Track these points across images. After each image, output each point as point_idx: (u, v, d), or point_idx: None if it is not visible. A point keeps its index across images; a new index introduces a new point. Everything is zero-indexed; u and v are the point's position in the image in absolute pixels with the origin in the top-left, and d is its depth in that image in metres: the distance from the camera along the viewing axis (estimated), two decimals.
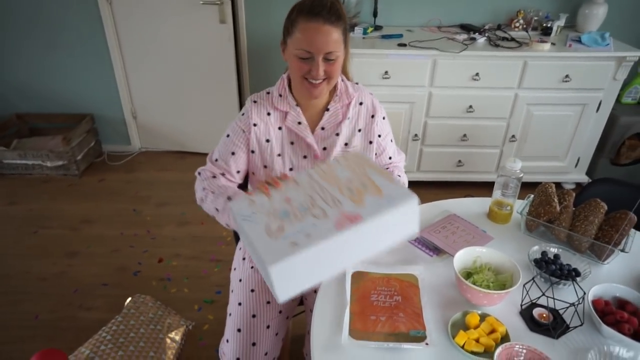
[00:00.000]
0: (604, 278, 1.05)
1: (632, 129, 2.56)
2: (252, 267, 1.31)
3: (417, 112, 2.46)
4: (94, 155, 3.09)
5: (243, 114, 1.22)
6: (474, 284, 0.96)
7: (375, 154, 1.30)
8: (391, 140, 1.35)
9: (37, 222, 2.49)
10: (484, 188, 2.67)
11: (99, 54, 2.83)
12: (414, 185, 2.71)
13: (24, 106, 3.05)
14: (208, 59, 2.78)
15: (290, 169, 1.23)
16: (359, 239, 0.84)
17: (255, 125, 1.21)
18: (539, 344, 0.87)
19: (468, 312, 0.93)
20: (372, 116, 1.27)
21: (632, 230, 1.12)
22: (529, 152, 2.60)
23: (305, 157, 1.23)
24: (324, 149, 1.23)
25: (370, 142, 1.27)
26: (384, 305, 0.97)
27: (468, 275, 1.01)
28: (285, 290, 0.81)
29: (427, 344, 0.86)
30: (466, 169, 2.67)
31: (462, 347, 0.86)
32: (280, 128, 1.22)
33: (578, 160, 2.65)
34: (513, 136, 2.54)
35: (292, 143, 1.22)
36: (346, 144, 1.24)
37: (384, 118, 1.31)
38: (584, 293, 0.94)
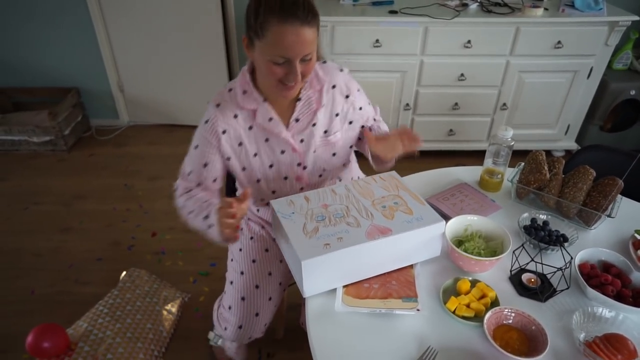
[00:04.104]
0: (591, 243, 1.08)
1: (622, 95, 2.57)
2: (251, 238, 1.32)
3: (408, 81, 2.43)
4: (81, 130, 3.04)
5: (207, 122, 1.10)
6: (466, 251, 0.98)
7: (362, 126, 1.23)
8: (369, 104, 1.26)
9: (28, 199, 2.47)
10: (475, 157, 2.69)
11: (81, 24, 2.74)
12: (406, 155, 2.72)
13: (3, 80, 2.96)
14: (195, 29, 2.71)
15: (271, 166, 1.16)
16: (385, 251, 0.93)
17: (224, 132, 1.10)
18: (527, 307, 0.90)
19: (459, 278, 0.95)
20: (347, 96, 1.17)
21: (619, 195, 1.14)
22: (520, 120, 2.60)
23: (283, 152, 1.14)
24: (302, 141, 1.14)
25: (351, 122, 1.19)
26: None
27: (459, 243, 1.03)
28: (312, 285, 0.91)
29: (418, 309, 0.88)
30: (457, 138, 2.68)
31: (453, 312, 0.88)
32: (251, 127, 1.12)
33: (568, 127, 2.66)
34: (504, 104, 2.54)
35: (266, 140, 1.13)
36: (325, 132, 1.16)
37: (358, 90, 1.21)
38: (571, 258, 0.97)
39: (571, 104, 2.56)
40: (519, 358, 0.77)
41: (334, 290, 0.94)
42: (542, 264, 0.96)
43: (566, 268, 0.95)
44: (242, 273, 1.28)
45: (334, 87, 1.16)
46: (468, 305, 0.89)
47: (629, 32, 2.54)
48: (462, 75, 2.42)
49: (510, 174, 1.23)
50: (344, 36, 2.29)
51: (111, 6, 2.68)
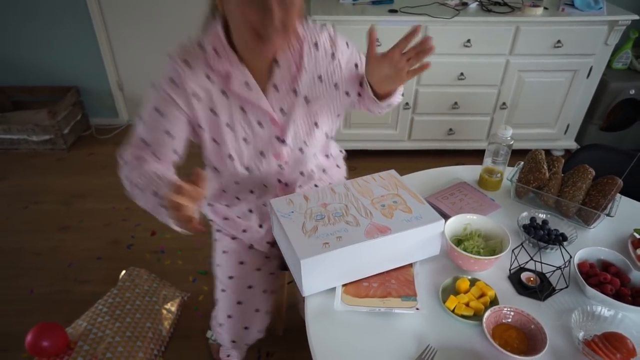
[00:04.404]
0: (590, 242, 1.08)
1: (621, 94, 2.57)
2: (224, 252, 1.23)
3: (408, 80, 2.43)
4: (81, 129, 3.03)
5: (173, 81, 0.94)
6: (465, 250, 0.98)
7: (361, 84, 1.04)
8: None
9: (28, 198, 2.47)
10: (475, 156, 2.69)
11: (81, 23, 2.74)
12: (405, 154, 2.73)
13: (3, 79, 2.96)
14: (195, 27, 2.70)
15: (245, 140, 1.03)
16: (384, 250, 0.93)
17: (195, 95, 0.95)
18: (526, 306, 0.90)
19: (458, 277, 0.95)
20: (332, 55, 1.02)
21: (618, 195, 1.14)
22: (519, 119, 2.61)
23: (260, 124, 1.01)
24: (281, 111, 1.01)
25: (336, 85, 1.04)
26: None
27: (459, 242, 1.03)
28: (311, 284, 0.91)
29: (417, 308, 0.88)
30: (457, 137, 2.68)
31: (452, 311, 0.88)
32: (224, 93, 0.97)
33: (567, 126, 2.66)
34: (504, 103, 2.54)
35: (242, 110, 0.99)
36: (308, 99, 1.02)
37: (347, 45, 1.07)
38: (570, 257, 0.97)
39: (571, 104, 2.56)
40: (518, 357, 0.77)
41: (334, 289, 0.94)
42: (541, 262, 0.96)
43: (565, 267, 0.95)
44: (223, 290, 1.24)
45: (316, 45, 1.01)
46: (467, 304, 0.89)
47: (629, 32, 2.55)
48: (461, 74, 2.42)
49: (509, 173, 1.23)
50: (344, 35, 2.29)
51: (110, 5, 2.68)
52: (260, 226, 1.21)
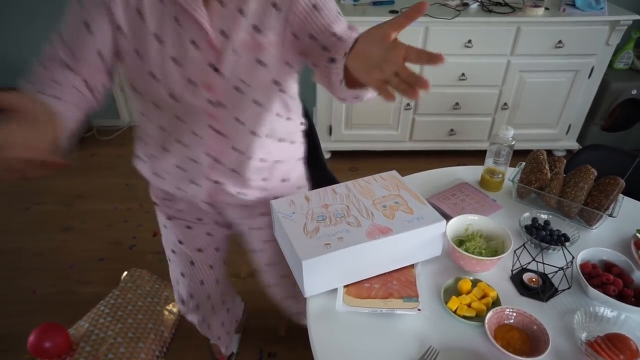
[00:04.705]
0: (592, 242, 1.08)
1: (623, 94, 2.57)
2: (165, 227, 1.21)
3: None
4: (83, 130, 3.04)
5: None
6: (467, 251, 0.97)
7: (312, 36, 0.84)
8: (337, 13, 0.86)
9: (30, 199, 2.47)
10: (476, 157, 2.69)
11: None
12: (406, 154, 2.73)
13: (4, 80, 2.97)
14: None
15: (174, 60, 0.84)
16: (386, 251, 0.93)
17: None
18: (529, 307, 0.90)
19: (460, 278, 0.95)
20: None
21: (620, 195, 1.13)
22: (520, 119, 2.60)
23: (194, 43, 0.83)
24: (222, 33, 0.83)
25: (287, 21, 0.84)
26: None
27: (460, 242, 1.02)
28: (313, 285, 0.91)
29: (419, 309, 0.88)
30: (458, 138, 2.67)
31: (454, 312, 0.88)
32: None
33: (569, 127, 2.66)
34: (505, 104, 2.54)
35: (176, 20, 0.81)
36: (257, 28, 0.83)
37: None
38: (573, 257, 0.96)
39: (572, 104, 2.56)
40: (520, 358, 0.77)
41: (335, 290, 0.94)
42: (543, 263, 0.96)
43: (567, 268, 0.95)
44: (173, 252, 1.25)
45: None
46: (469, 305, 0.89)
47: (630, 32, 2.54)
48: (462, 75, 2.42)
49: (511, 174, 1.23)
50: None
51: None
52: (193, 183, 1.03)
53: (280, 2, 0.83)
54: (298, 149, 1.13)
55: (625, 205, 1.17)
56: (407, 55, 0.60)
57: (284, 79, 0.93)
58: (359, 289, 0.94)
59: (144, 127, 1.00)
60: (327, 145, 2.61)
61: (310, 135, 1.25)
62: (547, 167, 1.18)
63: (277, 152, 1.05)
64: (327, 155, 2.67)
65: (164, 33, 0.82)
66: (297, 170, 1.16)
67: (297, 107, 1.07)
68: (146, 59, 0.84)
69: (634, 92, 2.56)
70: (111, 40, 0.83)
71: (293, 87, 1.00)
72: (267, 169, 1.05)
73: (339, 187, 1.06)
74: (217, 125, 0.94)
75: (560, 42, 2.32)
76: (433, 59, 0.58)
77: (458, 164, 1.39)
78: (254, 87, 0.89)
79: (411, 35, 2.29)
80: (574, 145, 2.74)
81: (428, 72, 2.39)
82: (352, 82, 0.75)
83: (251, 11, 0.82)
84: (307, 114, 1.24)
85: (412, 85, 0.59)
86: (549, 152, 2.78)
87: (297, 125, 1.09)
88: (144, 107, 0.94)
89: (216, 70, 0.86)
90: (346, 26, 0.86)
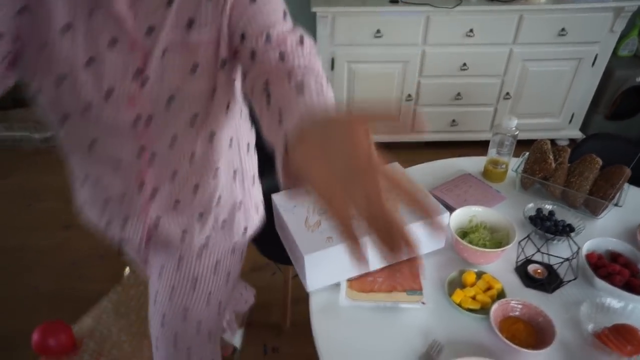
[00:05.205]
0: (598, 232, 1.06)
1: (627, 82, 2.54)
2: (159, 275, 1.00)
3: (410, 71, 2.41)
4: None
5: None
6: (470, 243, 0.96)
7: (243, 35, 0.66)
8: (283, 12, 0.68)
9: (30, 196, 2.47)
10: (479, 147, 2.66)
11: None
12: (407, 146, 2.71)
13: None
14: None
15: (89, 63, 0.66)
16: None
17: None
18: (534, 298, 0.89)
19: (464, 270, 0.94)
20: None
21: (626, 184, 1.12)
22: (523, 109, 2.58)
23: (114, 42, 0.65)
24: (149, 31, 0.65)
25: (223, 13, 0.66)
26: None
27: (464, 234, 1.01)
28: (315, 280, 0.90)
29: (423, 302, 0.87)
30: (460, 129, 2.65)
31: (459, 304, 0.87)
32: None
33: (572, 116, 2.63)
34: (507, 93, 2.51)
35: (90, 14, 0.64)
36: (190, 24, 0.66)
37: None
38: (578, 248, 0.95)
39: (575, 92, 2.53)
40: (526, 350, 0.76)
41: (338, 284, 0.93)
42: (548, 254, 0.95)
43: (573, 258, 0.94)
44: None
45: None
46: (474, 298, 0.88)
47: (635, 18, 2.50)
48: (464, 64, 2.39)
49: (514, 164, 1.22)
50: (345, 27, 2.26)
51: None
52: (125, 223, 0.88)
53: None
54: (249, 179, 0.95)
55: (631, 194, 1.15)
56: (392, 186, 0.38)
57: (226, 91, 0.76)
58: (362, 282, 0.93)
59: (62, 146, 0.81)
60: None
61: None
62: (551, 157, 1.16)
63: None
64: None
65: (75, 28, 0.64)
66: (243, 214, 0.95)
67: (245, 124, 0.91)
68: (54, 59, 0.65)
69: (639, 79, 2.52)
70: (12, 22, 0.62)
71: (239, 97, 0.83)
72: (208, 201, 0.87)
73: None
74: (144, 141, 0.75)
75: (563, 29, 2.28)
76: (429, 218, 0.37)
77: (460, 155, 1.37)
78: (186, 98, 0.72)
79: (412, 25, 2.26)
80: (578, 135, 2.72)
81: (429, 62, 2.36)
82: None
83: (178, 4, 0.65)
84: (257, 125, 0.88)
85: (393, 242, 0.36)
86: (552, 142, 2.76)
87: (244, 147, 0.91)
88: (56, 122, 0.75)
89: (142, 76, 0.68)
90: (294, 40, 0.64)
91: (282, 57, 0.62)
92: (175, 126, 0.75)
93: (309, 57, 0.63)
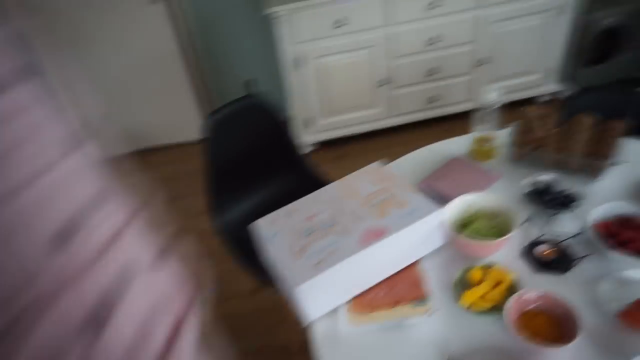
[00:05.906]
0: (602, 197, 0.99)
1: (598, 26, 2.47)
2: None
3: (377, 55, 2.32)
4: None
5: None
6: (472, 234, 0.89)
7: None
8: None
9: None
10: (461, 119, 2.59)
11: None
12: (390, 131, 2.63)
13: None
14: (144, 48, 2.57)
15: None
16: (384, 255, 0.84)
17: None
18: (549, 284, 0.82)
19: (468, 268, 0.86)
20: None
21: (623, 138, 1.05)
22: (499, 72, 2.51)
23: None
24: None
25: None
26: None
27: (463, 226, 0.94)
28: (312, 310, 0.83)
29: (430, 313, 0.80)
30: (439, 104, 2.57)
31: (470, 309, 0.80)
32: None
33: (549, 69, 2.57)
34: (480, 60, 2.43)
35: None
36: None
37: None
38: (585, 219, 0.88)
39: (549, 45, 2.46)
40: (551, 347, 0.69)
41: (337, 307, 0.85)
42: (554, 233, 0.88)
43: (581, 233, 0.87)
44: None
45: None
46: (483, 297, 0.80)
47: None
48: (430, 39, 2.31)
49: (502, 138, 1.14)
50: (304, 22, 2.17)
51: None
52: None
53: None
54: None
55: (630, 148, 1.08)
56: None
57: None
58: (362, 301, 0.86)
59: None
60: (309, 138, 2.51)
61: (286, 139, 1.11)
62: (538, 123, 1.09)
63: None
64: (311, 148, 2.57)
65: None
66: None
67: None
68: None
69: (609, 21, 2.46)
70: None
71: None
72: None
73: (321, 193, 0.96)
74: None
75: None
76: None
77: (444, 131, 1.30)
78: None
79: (371, 7, 2.17)
80: (558, 88, 2.66)
81: (395, 42, 2.28)
82: None
83: None
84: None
85: None
86: (534, 99, 2.69)
87: None
88: None
89: None
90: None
91: None
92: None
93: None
